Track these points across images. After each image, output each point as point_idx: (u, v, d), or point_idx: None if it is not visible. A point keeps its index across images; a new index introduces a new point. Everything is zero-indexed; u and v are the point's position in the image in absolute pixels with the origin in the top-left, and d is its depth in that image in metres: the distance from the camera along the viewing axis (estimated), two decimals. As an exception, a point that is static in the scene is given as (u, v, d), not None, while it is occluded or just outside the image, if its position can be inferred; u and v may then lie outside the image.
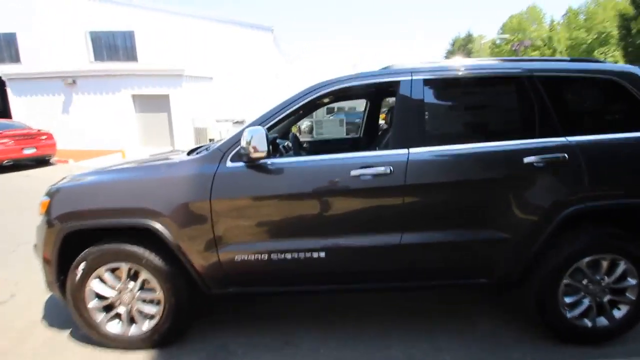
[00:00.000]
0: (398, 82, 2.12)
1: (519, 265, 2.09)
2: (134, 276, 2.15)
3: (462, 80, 2.17)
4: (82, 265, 2.10)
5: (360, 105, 22.95)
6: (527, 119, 2.13)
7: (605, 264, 2.09)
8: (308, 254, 2.06)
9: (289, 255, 2.06)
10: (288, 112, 2.11)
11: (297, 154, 2.72)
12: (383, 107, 3.85)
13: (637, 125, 2.10)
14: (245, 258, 2.06)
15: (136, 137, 13.54)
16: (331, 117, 14.47)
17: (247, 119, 14.40)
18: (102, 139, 13.17)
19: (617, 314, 2.14)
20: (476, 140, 2.08)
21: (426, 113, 2.11)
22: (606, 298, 2.12)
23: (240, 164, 2.04)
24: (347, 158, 2.07)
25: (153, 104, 13.44)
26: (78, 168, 9.12)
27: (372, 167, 2.01)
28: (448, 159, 2.05)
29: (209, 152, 2.11)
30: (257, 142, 1.89)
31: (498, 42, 41.11)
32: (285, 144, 2.92)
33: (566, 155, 2.02)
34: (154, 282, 2.12)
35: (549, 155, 2.02)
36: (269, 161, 2.03)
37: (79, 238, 2.12)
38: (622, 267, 2.08)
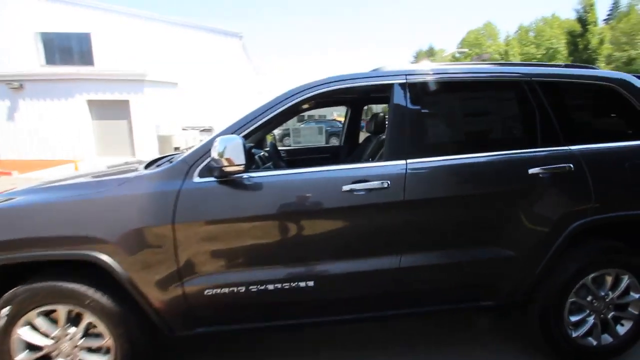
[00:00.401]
0: (391, 86, 1.89)
1: (524, 285, 1.92)
2: (75, 320, 1.73)
3: (461, 85, 1.97)
4: (5, 310, 1.65)
5: (330, 113, 22.96)
6: (529, 127, 1.98)
7: (609, 279, 1.99)
8: (294, 284, 1.75)
9: (271, 286, 1.74)
10: (267, 118, 1.81)
11: (276, 165, 2.40)
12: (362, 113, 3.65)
13: (636, 134, 2.02)
14: (218, 292, 1.71)
15: (92, 146, 12.55)
16: (304, 125, 14.09)
17: (215, 126, 13.88)
18: (53, 148, 12.07)
19: (621, 330, 2.04)
20: (478, 149, 1.89)
21: (423, 120, 1.90)
22: (610, 314, 2.02)
23: (211, 179, 1.70)
24: (336, 171, 1.80)
25: (111, 110, 12.55)
26: (24, 180, 8.18)
27: (366, 181, 1.74)
28: (450, 171, 1.84)
29: (172, 165, 1.75)
30: (232, 153, 1.57)
31: (457, 55, 43.16)
32: (262, 154, 2.61)
33: (571, 165, 1.87)
34: (101, 327, 1.71)
35: (554, 165, 1.87)
36: (245, 175, 1.71)
37: (3, 274, 1.68)
38: (625, 281, 1.99)
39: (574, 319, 1.99)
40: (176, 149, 10.76)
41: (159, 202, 1.64)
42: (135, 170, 1.90)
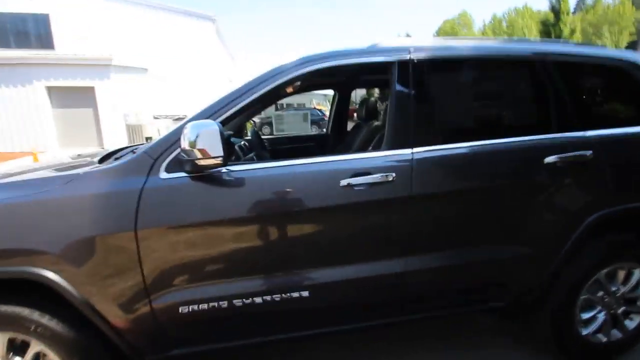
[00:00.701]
0: (393, 64, 1.63)
1: (538, 284, 1.78)
2: (20, 349, 1.41)
3: (472, 63, 1.74)
4: None
5: (309, 101, 22.52)
6: (543, 111, 1.78)
7: (622, 273, 1.89)
8: (286, 295, 1.49)
9: (259, 299, 1.47)
10: (248, 100, 1.51)
11: (259, 157, 2.09)
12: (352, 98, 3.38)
13: None
14: (195, 308, 1.43)
15: (54, 136, 11.66)
16: (288, 112, 13.51)
17: (189, 115, 13.18)
18: (11, 139, 11.10)
19: (630, 324, 1.95)
20: (490, 136, 1.67)
21: (431, 102, 1.66)
22: (620, 309, 1.92)
23: (181, 174, 1.40)
24: (332, 163, 1.54)
25: (75, 97, 11.66)
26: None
27: (368, 173, 1.50)
28: (462, 161, 1.62)
29: (132, 158, 1.43)
30: (207, 142, 1.27)
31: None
32: (242, 143, 2.31)
33: (590, 152, 1.70)
34: (52, 356, 1.40)
35: (572, 153, 1.69)
36: (224, 169, 1.42)
37: None
38: (637, 275, 1.89)
39: (585, 316, 1.88)
40: (147, 139, 10.14)
41: (116, 204, 1.33)
42: (88, 164, 1.57)
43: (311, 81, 2.34)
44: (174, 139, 1.41)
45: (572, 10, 25.05)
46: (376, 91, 4.96)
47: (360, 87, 3.59)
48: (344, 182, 1.47)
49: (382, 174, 1.49)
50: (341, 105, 3.17)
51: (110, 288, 1.35)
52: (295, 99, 21.08)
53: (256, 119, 17.38)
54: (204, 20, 15.42)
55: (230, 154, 1.82)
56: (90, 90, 11.59)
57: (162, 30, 14.52)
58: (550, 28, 23.57)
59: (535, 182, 1.69)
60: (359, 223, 1.53)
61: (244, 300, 1.46)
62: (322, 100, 24.27)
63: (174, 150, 1.40)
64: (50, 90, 11.50)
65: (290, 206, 1.46)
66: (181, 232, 1.39)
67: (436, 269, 1.63)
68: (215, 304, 1.44)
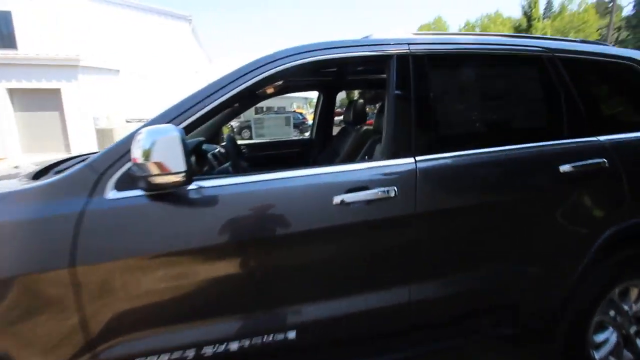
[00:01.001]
0: (390, 58, 1.41)
1: (552, 305, 1.59)
2: None
3: (478, 59, 1.53)
4: None
5: (289, 105, 22.23)
6: (554, 113, 1.60)
7: (635, 291, 1.74)
8: (269, 338, 1.23)
9: (235, 345, 1.20)
10: (220, 101, 1.24)
11: (236, 167, 1.81)
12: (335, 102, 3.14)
13: None
14: (155, 360, 1.14)
15: (16, 141, 10.86)
16: (268, 115, 13.12)
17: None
18: (-33, 145, 10.26)
19: None
20: (501, 141, 1.47)
21: (435, 103, 1.44)
22: (632, 329, 1.76)
23: (136, 193, 1.12)
24: (323, 176, 1.28)
25: (39, 100, 10.90)
26: None
27: (365, 188, 1.26)
28: (473, 170, 1.41)
29: (69, 174, 1.13)
30: (165, 153, 0.99)
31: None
32: (217, 150, 2.02)
33: (605, 160, 1.53)
34: None
35: (587, 161, 1.51)
36: (193, 186, 1.15)
37: None
38: None
39: (598, 338, 1.71)
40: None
41: (44, 235, 1.03)
42: (16, 180, 1.25)
43: (297, 76, 2.09)
44: (125, 148, 1.12)
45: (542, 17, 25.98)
46: (359, 92, 4.77)
47: (347, 87, 3.37)
48: (337, 200, 1.22)
49: (381, 189, 1.26)
50: (326, 108, 2.93)
51: (38, 343, 1.04)
52: (275, 102, 20.75)
53: (235, 123, 16.95)
54: (179, 20, 14.90)
55: (202, 165, 1.55)
56: (56, 93, 10.86)
57: (137, 30, 13.91)
58: (522, 33, 24.31)
59: (550, 194, 1.50)
60: (355, 248, 1.28)
61: (215, 347, 1.18)
62: (302, 104, 24.05)
63: (126, 162, 1.11)
64: (12, 92, 10.72)
65: (273, 230, 1.20)
66: (136, 267, 1.10)
67: (445, 294, 1.41)
68: (181, 353, 1.16)
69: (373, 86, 3.14)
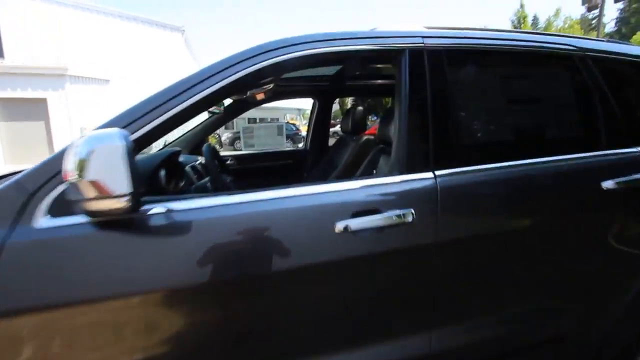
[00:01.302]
0: (402, 52, 1.17)
1: (595, 343, 1.33)
2: None
3: (503, 58, 1.30)
4: None
5: (282, 115, 22.06)
6: (590, 121, 1.38)
7: None
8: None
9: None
10: (188, 103, 0.97)
11: (216, 183, 1.52)
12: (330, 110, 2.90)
13: None
14: None
15: (0, 152, 10.45)
16: (258, 125, 12.85)
17: (155, 129, 12.33)
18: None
19: None
20: (532, 153, 1.24)
21: (454, 106, 1.20)
22: None
23: (78, 219, 0.84)
24: (322, 196, 1.02)
25: (24, 110, 10.54)
26: None
27: (374, 211, 1.00)
28: (502, 188, 1.16)
29: None
30: (102, 169, 0.72)
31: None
32: (197, 163, 1.76)
33: (651, 174, 1.30)
34: None
35: (632, 176, 1.28)
36: (159, 209, 0.88)
37: None
38: None
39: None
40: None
41: None
42: None
43: (289, 73, 1.85)
44: (55, 167, 0.85)
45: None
46: (353, 100, 4.55)
47: (345, 93, 3.14)
48: (339, 226, 0.96)
49: (396, 212, 1.00)
50: (322, 116, 2.69)
51: None
52: (267, 114, 20.58)
53: (228, 133, 16.65)
54: (172, 31, 14.74)
55: (178, 180, 1.29)
56: (41, 102, 10.51)
57: (129, 40, 13.70)
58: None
59: (593, 215, 1.26)
60: (362, 287, 1.02)
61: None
62: (296, 115, 23.94)
63: (58, 181, 0.84)
64: (-5, 101, 10.36)
65: (257, 267, 0.93)
66: (78, 315, 0.82)
67: (474, 340, 1.14)
68: None
69: (374, 92, 2.92)
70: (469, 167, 1.13)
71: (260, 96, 2.12)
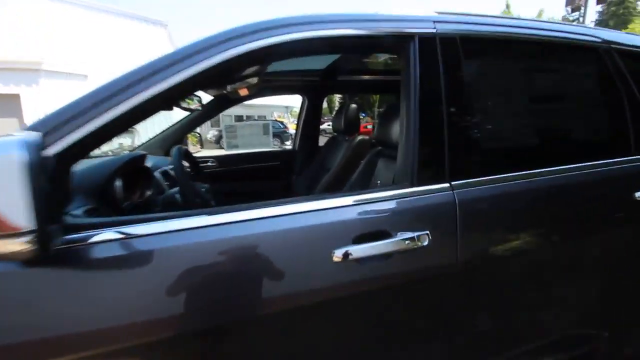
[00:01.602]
0: (410, 39, 0.97)
1: None
2: None
3: (528, 46, 1.11)
4: None
5: (270, 113, 21.71)
6: (619, 123, 1.21)
7: None
8: None
9: None
10: (143, 97, 0.74)
11: (186, 195, 1.26)
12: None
13: None
14: None
15: (-32, 151, 9.84)
16: (241, 123, 12.48)
17: (137, 128, 11.93)
18: None
19: None
20: (559, 158, 1.06)
21: (473, 103, 1.01)
22: None
23: None
24: (315, 215, 0.81)
25: (-5, 106, 9.99)
26: None
27: (384, 235, 0.80)
28: (531, 199, 0.98)
29: None
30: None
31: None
32: (170, 167, 1.53)
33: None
34: None
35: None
36: (110, 234, 0.68)
37: None
38: None
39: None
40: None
41: None
42: None
43: (276, 60, 1.64)
44: None
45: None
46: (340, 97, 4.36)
47: (337, 91, 2.94)
48: (338, 254, 0.76)
49: (407, 234, 0.81)
50: (312, 114, 2.48)
51: None
52: (254, 111, 20.18)
53: (214, 131, 16.20)
54: (155, 26, 14.27)
55: (144, 190, 1.07)
56: (13, 98, 9.97)
57: (110, 35, 13.17)
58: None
59: (626, 230, 1.10)
60: (368, 327, 0.82)
61: None
62: (284, 113, 23.62)
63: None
64: (-37, 97, 9.77)
65: (239, 308, 0.73)
66: None
67: None
68: None
69: (369, 89, 2.73)
70: (491, 176, 0.95)
71: (243, 92, 1.90)
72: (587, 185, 1.06)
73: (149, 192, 1.26)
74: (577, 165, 1.07)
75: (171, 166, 1.50)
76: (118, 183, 0.99)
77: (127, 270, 0.68)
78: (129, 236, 0.69)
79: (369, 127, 10.06)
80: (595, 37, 1.24)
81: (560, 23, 1.30)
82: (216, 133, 15.90)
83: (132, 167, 1.17)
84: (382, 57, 2.12)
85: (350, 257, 0.76)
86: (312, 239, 0.77)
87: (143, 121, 0.79)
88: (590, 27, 1.32)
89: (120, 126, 0.73)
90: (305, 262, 0.75)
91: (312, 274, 0.75)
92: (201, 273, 0.72)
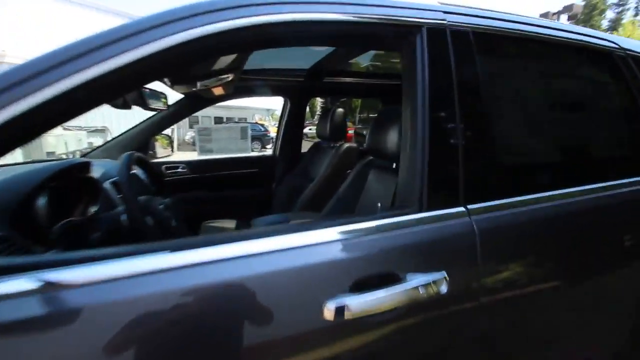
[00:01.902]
0: (416, 30, 0.80)
1: None
2: None
3: (549, 48, 0.95)
4: None
5: (251, 116, 21.33)
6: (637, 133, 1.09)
7: None
8: None
9: None
10: (70, 85, 0.55)
11: (136, 222, 0.98)
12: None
13: None
14: None
15: None
16: (216, 126, 12.10)
17: (110, 126, 11.28)
18: None
19: None
20: (584, 176, 0.91)
21: (489, 109, 0.84)
22: None
23: None
24: (298, 252, 0.60)
25: (-50, 101, 9.22)
26: None
27: (391, 279, 0.62)
28: (563, 225, 0.82)
29: None
30: None
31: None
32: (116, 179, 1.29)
33: None
34: None
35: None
36: (29, 284, 0.47)
37: None
38: None
39: None
40: (49, 154, 8.19)
41: None
42: None
43: (248, 49, 1.44)
44: None
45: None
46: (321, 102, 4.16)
47: (323, 93, 2.74)
48: (330, 307, 0.57)
49: (421, 278, 0.62)
50: (294, 118, 2.28)
51: None
52: (234, 113, 19.74)
53: (193, 133, 15.71)
54: (117, 17, 13.69)
55: (87, 205, 0.85)
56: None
57: (75, 27, 12.56)
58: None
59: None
60: None
61: None
62: (265, 116, 23.26)
63: None
64: None
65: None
66: None
67: None
68: None
69: (360, 92, 2.56)
70: (513, 197, 0.79)
71: (217, 91, 1.68)
72: (618, 204, 0.92)
73: (93, 209, 1.02)
74: (615, 182, 0.93)
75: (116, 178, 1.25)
76: (41, 201, 0.76)
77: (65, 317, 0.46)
78: (46, 286, 0.47)
79: (350, 132, 9.94)
80: (610, 40, 1.11)
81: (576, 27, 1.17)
82: (194, 135, 15.41)
83: (71, 177, 0.94)
84: (375, 56, 1.96)
85: (346, 309, 0.57)
86: (295, 285, 0.57)
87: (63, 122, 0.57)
88: (608, 34, 1.20)
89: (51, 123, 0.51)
90: (285, 319, 0.55)
91: (299, 336, 0.55)
92: (140, 339, 0.50)
